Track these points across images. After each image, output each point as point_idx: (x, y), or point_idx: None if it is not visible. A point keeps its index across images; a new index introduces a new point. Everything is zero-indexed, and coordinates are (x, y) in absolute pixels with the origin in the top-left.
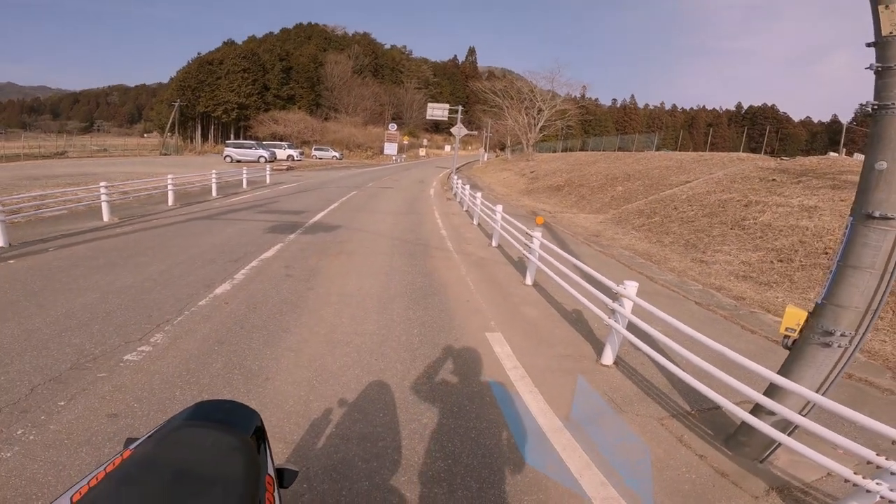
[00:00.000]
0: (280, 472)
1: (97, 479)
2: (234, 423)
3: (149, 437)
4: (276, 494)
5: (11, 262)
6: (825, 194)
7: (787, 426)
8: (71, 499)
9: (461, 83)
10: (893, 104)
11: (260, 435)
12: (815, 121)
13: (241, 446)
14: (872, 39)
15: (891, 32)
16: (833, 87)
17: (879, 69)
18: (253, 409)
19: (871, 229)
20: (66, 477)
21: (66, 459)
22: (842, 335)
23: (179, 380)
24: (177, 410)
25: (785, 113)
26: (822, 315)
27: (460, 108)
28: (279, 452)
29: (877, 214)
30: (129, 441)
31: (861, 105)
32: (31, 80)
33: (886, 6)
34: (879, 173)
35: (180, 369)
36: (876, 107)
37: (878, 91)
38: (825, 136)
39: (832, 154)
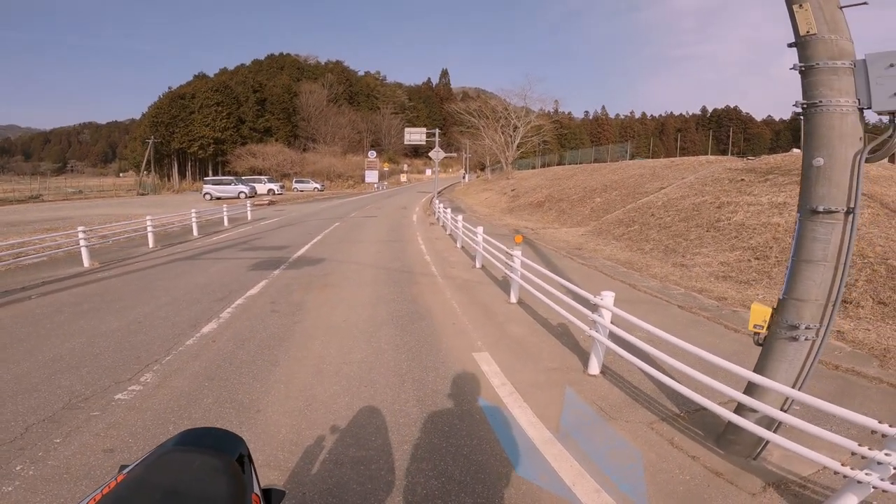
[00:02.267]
0: (267, 493)
1: (94, 500)
2: (218, 448)
3: (140, 462)
4: None
5: None
6: (792, 190)
7: (771, 423)
8: None
9: (437, 105)
10: (820, 101)
11: (244, 458)
12: (777, 119)
13: (225, 468)
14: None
15: (807, 32)
16: (789, 86)
17: (803, 69)
18: (237, 435)
19: (818, 224)
20: None
21: (67, 492)
22: (807, 328)
23: (172, 415)
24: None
25: (748, 113)
26: (785, 310)
27: (437, 131)
28: (274, 480)
29: (821, 209)
30: (123, 467)
31: (794, 105)
32: None
33: (800, 5)
34: (818, 169)
35: (172, 405)
36: (805, 105)
37: (805, 90)
38: (788, 134)
39: (795, 151)
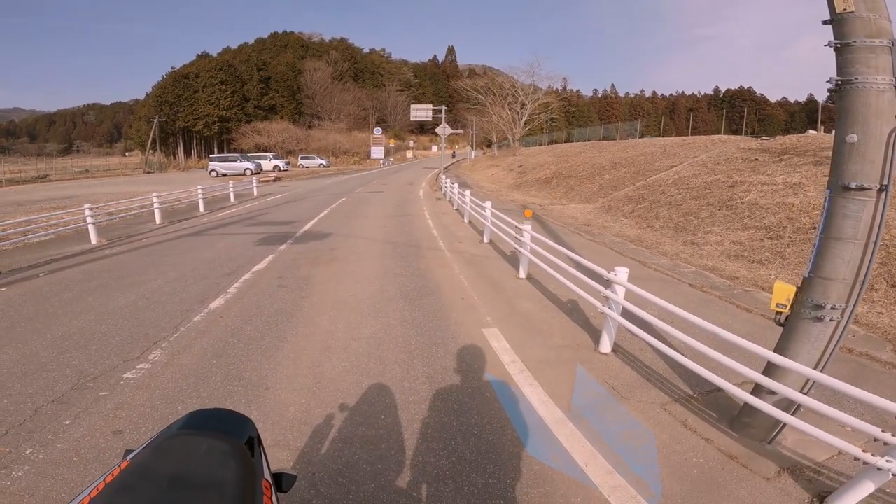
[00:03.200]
0: (278, 477)
1: (98, 489)
2: (227, 431)
3: (145, 447)
4: (273, 499)
5: (3, 289)
6: (808, 170)
7: (790, 405)
8: None
9: (443, 83)
10: (856, 79)
11: (254, 441)
12: (792, 101)
13: (234, 452)
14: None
15: (844, 9)
16: (806, 67)
17: (838, 45)
18: (246, 416)
19: (850, 200)
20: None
21: (77, 476)
22: (832, 308)
23: (181, 394)
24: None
25: (762, 94)
26: (810, 289)
27: (444, 107)
28: (283, 460)
29: (853, 185)
30: (128, 452)
31: (827, 81)
32: (3, 102)
33: None
34: (851, 146)
35: (181, 384)
36: (839, 82)
37: (840, 67)
38: (803, 115)
39: (811, 132)
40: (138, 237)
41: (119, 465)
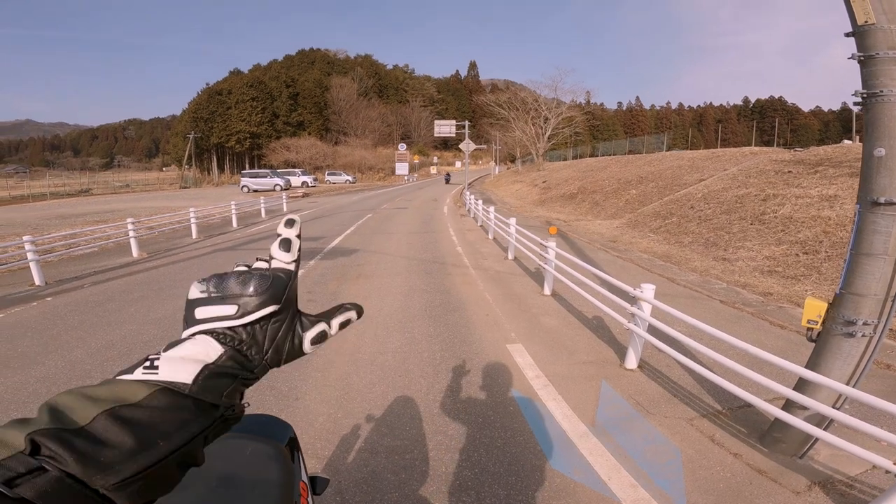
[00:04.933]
0: (313, 480)
1: None
2: (270, 434)
3: None
4: (309, 500)
5: (49, 299)
6: (844, 182)
7: (822, 420)
8: None
9: (466, 98)
10: (882, 91)
11: (293, 445)
12: (826, 109)
13: (276, 455)
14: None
15: (866, 21)
16: (839, 75)
17: (862, 58)
18: (287, 422)
19: (879, 215)
20: None
21: None
22: (864, 324)
23: None
24: None
25: (794, 104)
26: (842, 305)
27: (467, 123)
28: (312, 467)
29: (882, 200)
30: None
31: (853, 94)
32: (49, 117)
33: None
34: (879, 160)
35: None
36: (865, 95)
37: (865, 79)
38: (837, 125)
39: (846, 142)
40: (176, 251)
41: None
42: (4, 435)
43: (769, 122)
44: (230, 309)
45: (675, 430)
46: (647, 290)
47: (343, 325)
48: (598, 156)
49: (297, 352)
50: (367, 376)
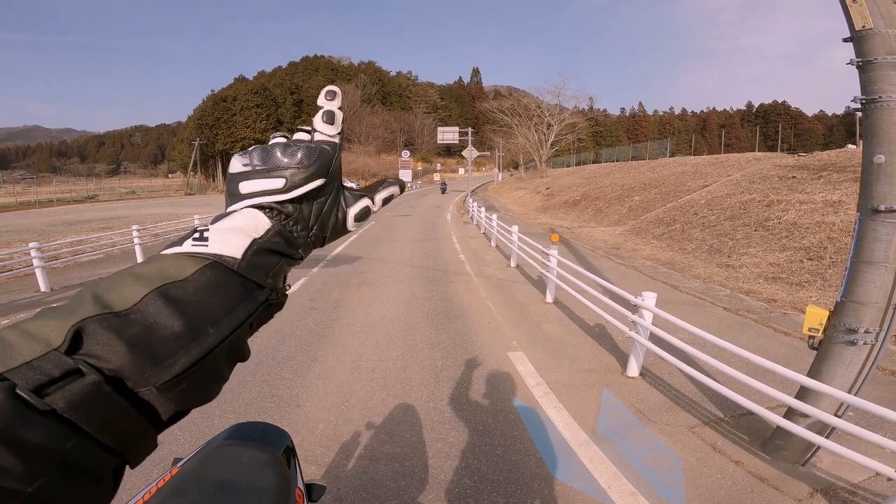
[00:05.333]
0: (309, 487)
1: (150, 493)
2: (266, 442)
3: (193, 456)
4: None
5: (54, 305)
6: (848, 188)
7: (824, 428)
8: None
9: (469, 104)
10: (881, 97)
11: (290, 452)
12: (830, 114)
13: (273, 462)
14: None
15: (863, 26)
16: (842, 78)
17: (860, 63)
18: (283, 429)
19: (880, 223)
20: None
21: (121, 489)
22: (866, 332)
23: (217, 409)
24: (215, 434)
25: (797, 108)
26: (843, 313)
27: (470, 129)
28: (311, 474)
29: (882, 208)
30: (177, 460)
31: (852, 101)
32: (56, 123)
33: (854, 0)
34: (878, 167)
35: (215, 400)
36: (864, 101)
37: (864, 85)
38: (842, 129)
39: (850, 146)
40: None
41: (170, 472)
42: (37, 327)
43: (773, 126)
44: (277, 182)
45: (676, 438)
46: (649, 299)
47: (386, 201)
48: (601, 162)
49: (342, 228)
50: (369, 384)
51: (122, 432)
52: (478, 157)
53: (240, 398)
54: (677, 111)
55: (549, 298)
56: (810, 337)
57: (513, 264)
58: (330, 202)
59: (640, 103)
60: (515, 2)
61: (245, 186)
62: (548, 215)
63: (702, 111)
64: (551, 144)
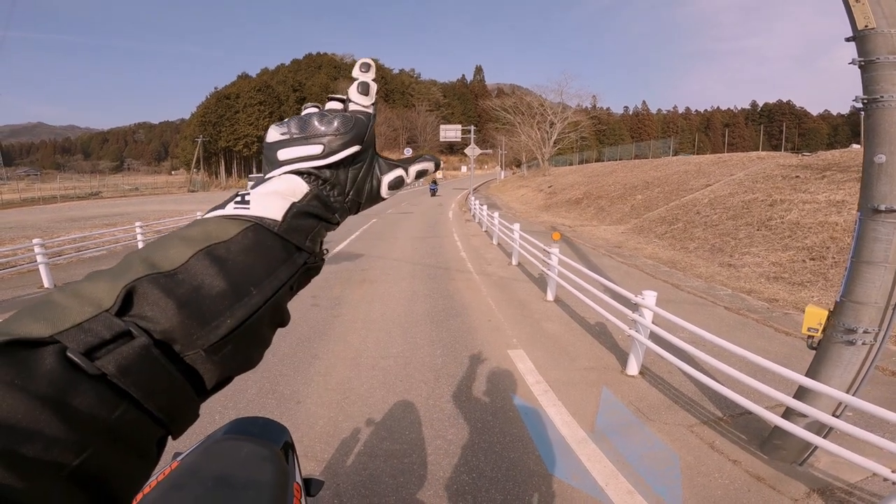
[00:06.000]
0: (308, 482)
1: (150, 486)
2: (266, 437)
3: (193, 450)
4: (303, 500)
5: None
6: (852, 187)
7: (822, 428)
8: None
9: (471, 102)
10: (882, 97)
11: (288, 447)
12: (835, 113)
13: (271, 457)
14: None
15: (866, 26)
16: (847, 77)
17: (863, 63)
18: (282, 425)
19: (880, 223)
20: None
21: None
22: (865, 332)
23: (218, 405)
24: (215, 429)
25: (802, 108)
26: (842, 313)
27: (472, 127)
28: (311, 470)
29: (882, 208)
30: (177, 454)
31: (854, 101)
32: (60, 120)
33: (857, 0)
34: (879, 166)
35: (217, 396)
36: (866, 101)
37: (866, 85)
38: (847, 129)
39: (855, 146)
40: None
41: (170, 465)
42: (88, 288)
43: (777, 126)
44: (316, 149)
45: (674, 437)
46: (649, 297)
47: (420, 175)
48: (604, 160)
49: (376, 195)
50: (369, 381)
51: (169, 400)
52: (480, 154)
53: (241, 395)
54: (681, 110)
55: (550, 296)
56: (809, 337)
57: (514, 262)
58: (365, 169)
59: (644, 102)
60: (519, 0)
61: (284, 153)
62: (550, 213)
63: (706, 110)
64: (554, 143)
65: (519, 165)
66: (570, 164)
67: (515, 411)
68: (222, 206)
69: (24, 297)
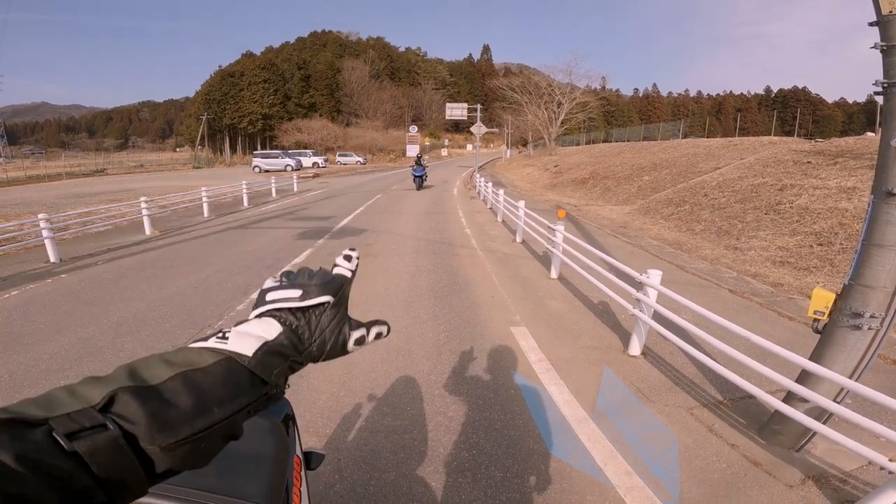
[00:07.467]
0: (308, 455)
1: None
2: (267, 409)
3: None
4: (302, 473)
5: (63, 276)
6: (864, 174)
7: (822, 413)
8: None
9: (478, 81)
10: None
11: (289, 419)
12: (851, 101)
13: (272, 429)
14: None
15: (891, 11)
16: (866, 66)
17: (884, 48)
18: (284, 398)
19: (894, 206)
20: None
21: None
22: (871, 317)
23: None
24: None
25: (818, 95)
26: (849, 296)
27: (479, 106)
28: (312, 444)
29: None
30: None
31: (873, 84)
32: (64, 100)
33: None
34: (895, 150)
35: None
36: (885, 84)
37: (886, 69)
38: (862, 117)
39: (869, 134)
40: (188, 229)
41: None
42: (81, 389)
43: (791, 112)
44: (295, 293)
45: (674, 419)
46: (654, 276)
47: (378, 336)
48: (611, 142)
49: (341, 349)
50: (371, 356)
51: (121, 479)
52: (486, 133)
53: None
54: (692, 94)
55: (554, 274)
56: (815, 320)
57: (518, 239)
58: (335, 321)
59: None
60: None
61: (270, 296)
62: (555, 192)
63: (718, 94)
64: (561, 123)
65: (525, 144)
66: (578, 144)
67: (517, 389)
68: (206, 338)
69: (31, 272)
